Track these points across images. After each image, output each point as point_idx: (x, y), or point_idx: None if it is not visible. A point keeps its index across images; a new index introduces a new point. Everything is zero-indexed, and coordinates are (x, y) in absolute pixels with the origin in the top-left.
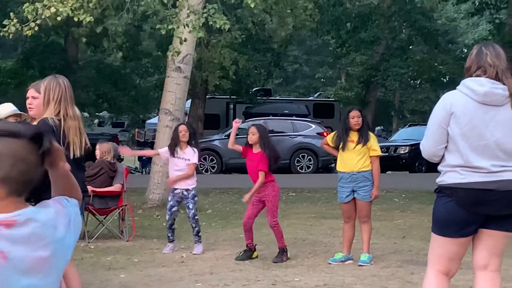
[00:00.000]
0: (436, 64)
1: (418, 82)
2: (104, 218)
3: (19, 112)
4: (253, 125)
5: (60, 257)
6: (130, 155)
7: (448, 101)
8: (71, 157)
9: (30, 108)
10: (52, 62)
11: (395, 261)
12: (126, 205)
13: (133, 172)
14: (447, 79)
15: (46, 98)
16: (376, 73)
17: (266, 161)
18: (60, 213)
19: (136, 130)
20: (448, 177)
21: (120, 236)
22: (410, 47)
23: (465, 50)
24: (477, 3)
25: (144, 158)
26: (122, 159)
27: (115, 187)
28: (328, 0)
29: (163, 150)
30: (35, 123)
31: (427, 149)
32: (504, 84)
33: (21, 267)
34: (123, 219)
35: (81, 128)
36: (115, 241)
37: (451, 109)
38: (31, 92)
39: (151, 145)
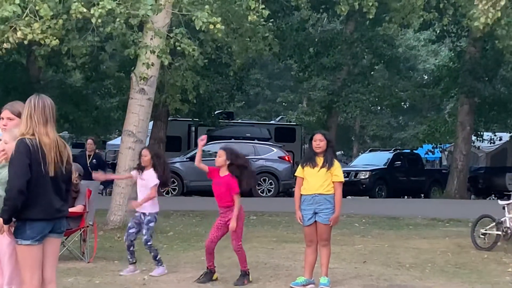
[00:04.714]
0: (397, 90)
1: (379, 108)
2: (66, 239)
3: None
4: (221, 148)
5: None
6: (103, 179)
7: None
8: (50, 175)
9: (4, 129)
10: (14, 82)
11: (356, 285)
12: (88, 226)
13: None
14: (408, 105)
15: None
16: (338, 98)
17: (236, 183)
18: None
19: (97, 151)
20: None
21: (81, 258)
22: (372, 73)
23: (426, 77)
24: (438, 31)
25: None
26: None
27: (78, 208)
28: (291, 25)
29: (134, 173)
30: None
31: None
32: None
33: None
34: (85, 240)
35: (61, 147)
36: (76, 263)
37: None
38: (5, 113)
39: (112, 166)
